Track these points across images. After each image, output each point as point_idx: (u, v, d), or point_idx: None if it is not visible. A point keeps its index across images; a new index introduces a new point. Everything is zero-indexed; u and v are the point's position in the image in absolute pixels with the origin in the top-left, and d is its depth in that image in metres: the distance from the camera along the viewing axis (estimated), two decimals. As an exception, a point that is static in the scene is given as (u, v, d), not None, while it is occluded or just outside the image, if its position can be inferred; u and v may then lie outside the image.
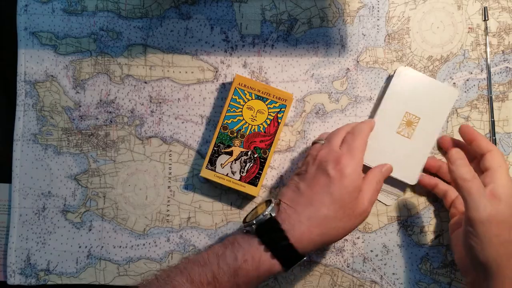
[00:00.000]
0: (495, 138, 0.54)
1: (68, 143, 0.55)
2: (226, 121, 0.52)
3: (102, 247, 0.55)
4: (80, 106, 0.55)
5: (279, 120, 0.52)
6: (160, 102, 0.55)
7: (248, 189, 0.52)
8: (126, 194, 0.55)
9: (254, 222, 0.44)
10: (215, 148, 0.52)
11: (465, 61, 0.55)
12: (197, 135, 0.55)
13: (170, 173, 0.55)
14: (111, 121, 0.55)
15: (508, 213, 0.41)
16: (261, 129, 0.52)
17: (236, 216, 0.55)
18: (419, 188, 0.55)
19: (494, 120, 0.55)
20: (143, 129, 0.55)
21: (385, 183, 0.52)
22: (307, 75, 0.55)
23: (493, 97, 0.55)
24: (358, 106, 0.55)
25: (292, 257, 0.43)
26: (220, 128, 0.52)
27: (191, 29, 0.55)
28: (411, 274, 0.54)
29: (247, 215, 0.48)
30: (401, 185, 0.54)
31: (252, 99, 0.52)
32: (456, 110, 0.55)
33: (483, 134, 0.55)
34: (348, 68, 0.55)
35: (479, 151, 0.47)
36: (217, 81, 0.55)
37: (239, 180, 0.52)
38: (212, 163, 0.52)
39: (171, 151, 0.55)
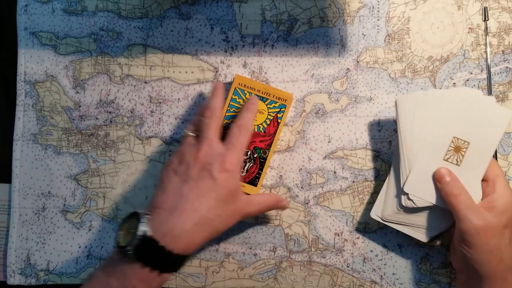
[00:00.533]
0: (495, 138, 0.54)
1: (68, 143, 0.55)
2: (226, 121, 0.52)
3: (102, 247, 0.55)
4: (80, 106, 0.55)
5: (279, 120, 0.52)
6: (160, 102, 0.55)
7: (248, 189, 0.52)
8: (126, 194, 0.55)
9: (129, 248, 0.39)
10: None
11: (465, 61, 0.55)
12: (197, 135, 0.55)
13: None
14: (111, 121, 0.55)
15: (497, 222, 0.43)
16: (260, 129, 0.52)
17: (236, 216, 0.55)
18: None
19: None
20: (143, 129, 0.55)
21: (425, 216, 0.49)
22: (307, 75, 0.55)
23: (493, 97, 0.55)
24: (358, 106, 0.55)
25: (180, 263, 0.42)
26: (221, 128, 0.52)
27: (191, 29, 0.55)
28: (411, 274, 0.54)
29: (118, 235, 0.42)
30: (446, 218, 0.49)
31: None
32: (456, 110, 0.55)
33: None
34: (348, 68, 0.55)
35: None
36: (217, 81, 0.55)
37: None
38: None
39: (171, 151, 0.55)
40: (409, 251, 0.54)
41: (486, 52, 0.55)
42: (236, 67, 0.55)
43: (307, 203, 0.55)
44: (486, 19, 0.55)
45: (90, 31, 0.55)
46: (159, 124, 0.55)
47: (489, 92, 0.55)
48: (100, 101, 0.55)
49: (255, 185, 0.52)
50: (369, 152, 0.55)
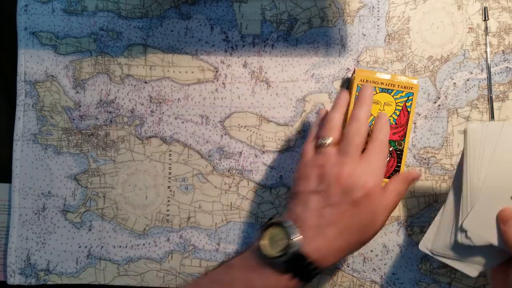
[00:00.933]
0: (495, 138, 0.54)
1: (68, 143, 0.55)
2: None
3: (102, 247, 0.55)
4: (80, 106, 0.55)
5: (409, 109, 0.51)
6: (160, 102, 0.55)
7: None
8: (126, 194, 0.55)
9: (281, 259, 0.40)
10: None
11: (465, 61, 0.55)
12: (197, 135, 0.55)
13: (170, 173, 0.55)
14: (111, 121, 0.55)
15: None
16: (391, 121, 0.51)
17: (236, 216, 0.55)
18: (419, 188, 0.55)
19: (494, 120, 0.55)
20: (143, 129, 0.55)
21: (480, 253, 0.44)
22: (307, 75, 0.55)
23: (494, 97, 0.55)
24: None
25: (315, 275, 0.42)
26: None
27: (191, 29, 0.55)
28: (411, 274, 0.54)
29: (263, 245, 0.42)
30: (502, 254, 0.44)
31: (376, 93, 0.51)
32: (456, 110, 0.55)
33: (483, 134, 0.55)
34: (348, 68, 0.55)
35: None
36: (217, 81, 0.55)
37: None
38: None
39: (171, 151, 0.55)
40: (409, 251, 0.54)
41: (486, 52, 0.55)
42: (236, 67, 0.55)
43: None
44: (486, 19, 0.55)
45: (90, 31, 0.55)
46: (159, 124, 0.55)
47: (489, 92, 0.55)
48: (100, 101, 0.55)
49: None
50: (369, 152, 0.55)
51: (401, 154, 0.51)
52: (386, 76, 0.51)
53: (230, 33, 0.55)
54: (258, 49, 0.56)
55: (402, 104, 0.51)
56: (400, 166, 0.51)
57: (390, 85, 0.51)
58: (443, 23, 0.55)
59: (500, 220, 0.42)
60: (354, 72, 0.52)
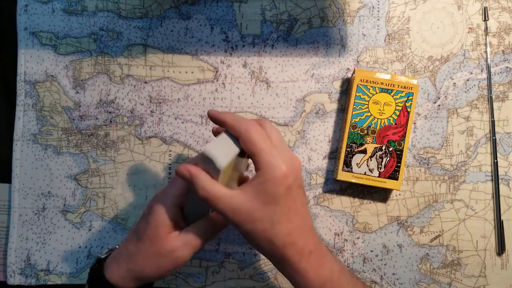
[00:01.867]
0: (495, 138, 0.54)
1: (68, 143, 0.55)
2: (354, 120, 0.51)
3: (102, 247, 0.55)
4: (80, 106, 0.55)
5: (409, 110, 0.51)
6: (160, 102, 0.55)
7: (389, 184, 0.51)
8: (126, 194, 0.55)
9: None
10: (347, 149, 0.51)
11: (465, 61, 0.55)
12: (197, 135, 0.55)
13: (170, 173, 0.55)
14: (111, 121, 0.55)
15: (250, 206, 0.38)
16: (391, 121, 0.51)
17: (236, 216, 0.55)
18: (419, 188, 0.55)
19: (494, 120, 0.55)
20: (143, 129, 0.55)
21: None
22: (307, 75, 0.55)
23: (493, 97, 0.55)
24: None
25: None
26: (350, 128, 0.51)
27: (191, 29, 0.55)
28: (411, 274, 0.54)
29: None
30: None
31: (376, 93, 0.51)
32: (456, 110, 0.55)
33: (483, 134, 0.55)
34: (348, 68, 0.55)
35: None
36: (217, 81, 0.55)
37: (378, 176, 0.51)
38: (347, 164, 0.51)
39: (171, 151, 0.55)
40: (409, 251, 0.54)
41: (486, 52, 0.55)
42: (236, 67, 0.55)
43: (307, 203, 0.55)
44: (486, 19, 0.55)
45: (90, 31, 0.55)
46: (159, 124, 0.55)
47: (489, 92, 0.55)
48: (100, 101, 0.55)
49: (396, 178, 0.51)
50: (369, 152, 0.55)
51: (401, 154, 0.51)
52: (386, 76, 0.51)
53: (230, 33, 0.55)
54: (258, 49, 0.55)
55: (402, 104, 0.51)
56: (400, 166, 0.51)
57: (390, 85, 0.51)
58: (443, 23, 0.55)
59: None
60: (354, 72, 0.52)
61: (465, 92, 0.55)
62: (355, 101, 0.51)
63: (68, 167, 0.55)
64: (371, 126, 0.51)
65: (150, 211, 0.42)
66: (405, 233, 0.54)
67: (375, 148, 0.51)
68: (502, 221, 0.54)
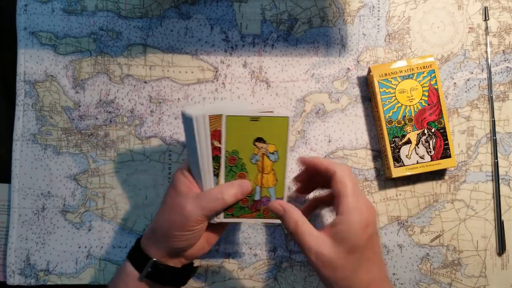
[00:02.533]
0: (495, 138, 0.54)
1: (67, 143, 0.55)
2: (387, 115, 0.51)
3: (102, 247, 0.54)
4: (79, 106, 0.55)
5: (435, 87, 0.51)
6: (160, 102, 0.55)
7: (444, 163, 0.51)
8: (126, 194, 0.55)
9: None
10: (392, 145, 0.51)
11: (465, 61, 0.55)
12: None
13: (170, 173, 0.55)
14: (110, 121, 0.55)
15: (335, 255, 0.39)
16: (423, 104, 0.51)
17: (236, 216, 0.55)
18: (419, 188, 0.54)
19: (494, 120, 0.54)
20: (142, 129, 0.55)
21: None
22: (307, 75, 0.55)
23: (494, 97, 0.55)
24: (358, 106, 0.55)
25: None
26: (386, 124, 0.51)
27: (191, 29, 0.55)
28: (411, 274, 0.54)
29: None
30: None
31: (399, 82, 0.51)
32: (456, 110, 0.55)
33: (483, 134, 0.55)
34: (348, 68, 0.55)
35: (326, 176, 0.43)
36: (217, 81, 0.55)
37: (431, 160, 0.51)
38: (397, 159, 0.51)
39: (171, 151, 0.55)
40: (409, 251, 0.54)
41: (486, 51, 0.55)
42: (236, 67, 0.55)
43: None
44: (487, 18, 0.55)
45: (89, 31, 0.55)
46: (159, 124, 0.55)
47: (490, 92, 0.55)
48: (100, 101, 0.55)
49: (449, 156, 0.51)
50: (369, 152, 0.55)
51: (445, 131, 0.51)
52: (402, 63, 0.51)
53: (230, 33, 0.55)
54: (258, 49, 0.55)
55: (427, 84, 0.51)
56: (448, 143, 0.51)
57: (409, 70, 0.51)
58: (443, 23, 0.55)
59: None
60: (370, 71, 0.52)
61: (466, 92, 0.55)
62: (382, 97, 0.51)
63: (67, 167, 0.55)
64: (406, 115, 0.51)
65: (172, 183, 0.46)
66: (406, 233, 0.54)
67: (417, 134, 0.51)
68: (503, 221, 0.54)
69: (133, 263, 0.45)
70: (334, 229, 0.40)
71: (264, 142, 0.44)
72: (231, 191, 0.44)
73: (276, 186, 0.45)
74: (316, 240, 0.40)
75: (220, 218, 0.45)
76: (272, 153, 0.45)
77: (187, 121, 0.43)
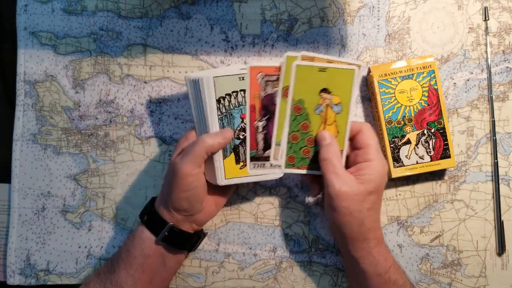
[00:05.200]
0: (495, 138, 0.54)
1: (67, 143, 0.55)
2: (387, 115, 0.51)
3: (102, 247, 0.55)
4: (79, 106, 0.55)
5: (435, 87, 0.51)
6: (160, 102, 0.55)
7: (444, 164, 0.51)
8: (126, 194, 0.55)
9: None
10: (391, 146, 0.51)
11: (465, 61, 0.55)
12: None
13: (170, 173, 0.55)
14: (110, 121, 0.55)
15: (359, 189, 0.45)
16: (423, 104, 0.51)
17: (236, 216, 0.55)
18: (419, 189, 0.54)
19: (494, 120, 0.54)
20: (142, 129, 0.55)
21: None
22: (307, 75, 0.55)
23: (494, 97, 0.55)
24: (358, 106, 0.55)
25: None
26: (386, 124, 0.51)
27: (191, 29, 0.55)
28: (411, 274, 0.54)
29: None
30: None
31: (399, 82, 0.51)
32: (456, 110, 0.55)
33: (483, 134, 0.55)
34: (348, 68, 0.55)
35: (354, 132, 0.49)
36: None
37: (431, 160, 0.51)
38: (397, 160, 0.51)
39: (170, 151, 0.55)
40: (409, 251, 0.54)
41: (486, 52, 0.55)
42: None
43: (307, 203, 0.55)
44: (487, 19, 0.55)
45: (89, 30, 0.55)
46: (159, 124, 0.55)
47: (490, 92, 0.55)
48: (100, 101, 0.55)
49: (449, 156, 0.51)
50: (369, 152, 0.55)
51: (445, 132, 0.51)
52: (402, 64, 0.51)
53: (230, 33, 0.55)
54: (258, 49, 0.55)
55: (427, 84, 0.51)
56: (447, 143, 0.51)
57: (409, 70, 0.51)
58: (443, 23, 0.55)
59: (318, 141, 0.48)
60: (369, 71, 0.52)
61: (466, 92, 0.55)
62: (381, 97, 0.51)
63: (67, 167, 0.55)
64: (406, 115, 0.51)
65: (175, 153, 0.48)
66: (405, 233, 0.54)
67: (417, 135, 0.51)
68: (502, 221, 0.54)
69: (149, 227, 0.48)
70: (360, 172, 0.46)
71: (329, 93, 0.46)
72: (212, 135, 0.46)
73: (337, 138, 0.47)
74: (344, 174, 0.46)
75: (273, 171, 0.47)
76: (336, 105, 0.47)
77: (195, 85, 0.46)
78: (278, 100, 0.46)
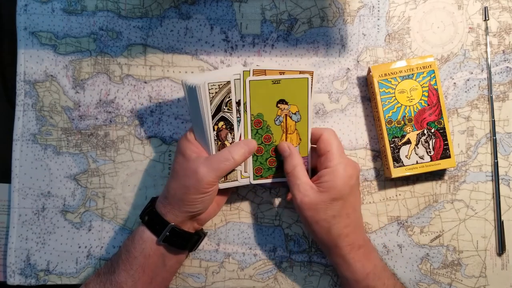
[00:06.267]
0: (495, 138, 0.54)
1: (67, 143, 0.55)
2: (387, 115, 0.51)
3: (102, 247, 0.55)
4: (79, 106, 0.55)
5: (435, 87, 0.51)
6: (160, 102, 0.55)
7: (444, 164, 0.51)
8: (126, 194, 0.55)
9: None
10: (391, 145, 0.51)
11: (465, 61, 0.55)
12: (197, 135, 0.55)
13: (169, 173, 0.55)
14: (110, 121, 0.55)
15: (320, 198, 0.45)
16: (423, 104, 0.51)
17: (236, 217, 0.55)
18: (419, 189, 0.54)
19: (494, 120, 0.54)
20: (142, 129, 0.55)
21: None
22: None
23: (494, 97, 0.55)
24: (358, 106, 0.55)
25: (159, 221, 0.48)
26: (386, 124, 0.51)
27: (191, 29, 0.55)
28: (411, 274, 0.54)
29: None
30: None
31: (399, 82, 0.51)
32: (456, 110, 0.55)
33: (483, 134, 0.55)
34: (348, 68, 0.55)
35: (314, 139, 0.49)
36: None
37: (431, 160, 0.51)
38: (397, 160, 0.52)
39: (170, 151, 0.55)
40: (409, 251, 0.54)
41: (486, 51, 0.55)
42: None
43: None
44: (487, 18, 0.55)
45: (89, 30, 0.55)
46: (159, 124, 0.55)
47: (490, 92, 0.55)
48: (100, 101, 0.55)
49: (449, 156, 0.51)
50: (369, 152, 0.55)
51: (445, 132, 0.51)
52: (402, 64, 0.51)
53: (230, 33, 0.55)
54: (258, 49, 0.55)
55: (427, 84, 0.51)
56: (447, 143, 0.51)
57: (409, 70, 0.51)
58: (443, 23, 0.55)
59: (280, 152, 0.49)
60: (369, 71, 0.52)
61: (466, 92, 0.55)
62: (381, 97, 0.51)
63: (67, 167, 0.55)
64: (406, 115, 0.51)
65: (178, 151, 0.48)
66: (405, 233, 0.54)
67: (417, 135, 0.51)
68: (502, 221, 0.54)
69: (150, 228, 0.48)
70: (321, 179, 0.46)
71: (286, 103, 0.47)
72: (240, 150, 0.47)
73: (300, 145, 0.49)
74: (304, 185, 0.46)
75: (243, 181, 0.48)
76: (295, 114, 0.48)
77: (191, 91, 0.46)
78: (238, 115, 0.47)
